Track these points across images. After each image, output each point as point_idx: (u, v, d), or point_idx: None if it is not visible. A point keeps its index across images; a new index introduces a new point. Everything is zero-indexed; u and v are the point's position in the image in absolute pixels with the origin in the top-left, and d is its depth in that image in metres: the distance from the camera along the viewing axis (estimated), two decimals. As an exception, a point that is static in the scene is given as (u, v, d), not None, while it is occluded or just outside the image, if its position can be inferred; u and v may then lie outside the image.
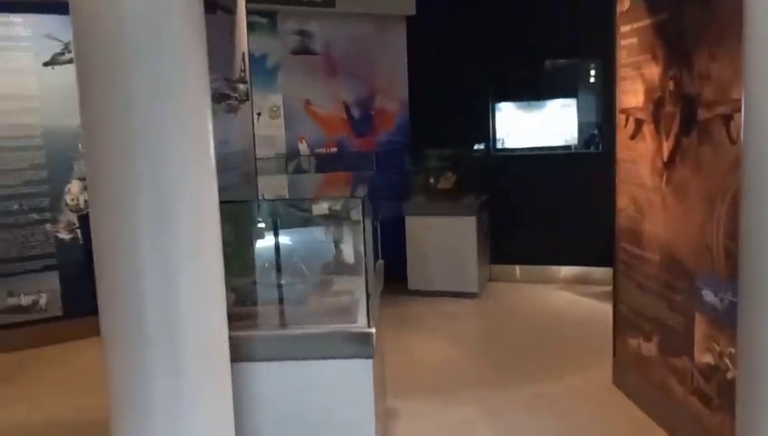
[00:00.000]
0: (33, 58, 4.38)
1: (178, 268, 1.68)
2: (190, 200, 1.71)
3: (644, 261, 3.24)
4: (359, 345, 2.28)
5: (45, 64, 4.38)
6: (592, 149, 5.71)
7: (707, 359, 2.66)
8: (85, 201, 4.43)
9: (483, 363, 4.06)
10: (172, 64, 1.65)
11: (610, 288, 3.71)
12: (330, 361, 2.28)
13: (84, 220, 4.49)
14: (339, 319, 2.40)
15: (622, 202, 3.48)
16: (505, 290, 5.66)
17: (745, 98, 1.64)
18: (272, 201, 2.87)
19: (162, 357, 1.65)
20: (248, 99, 3.26)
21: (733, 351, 2.44)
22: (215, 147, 1.85)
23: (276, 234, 2.79)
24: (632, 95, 3.30)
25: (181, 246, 1.68)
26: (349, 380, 2.28)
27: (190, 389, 1.69)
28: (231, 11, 3.04)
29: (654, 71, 3.08)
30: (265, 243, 2.81)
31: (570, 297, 5.40)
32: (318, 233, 3.19)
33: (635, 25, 3.24)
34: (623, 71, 3.38)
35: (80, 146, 4.42)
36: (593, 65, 5.72)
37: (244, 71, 3.21)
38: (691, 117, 2.76)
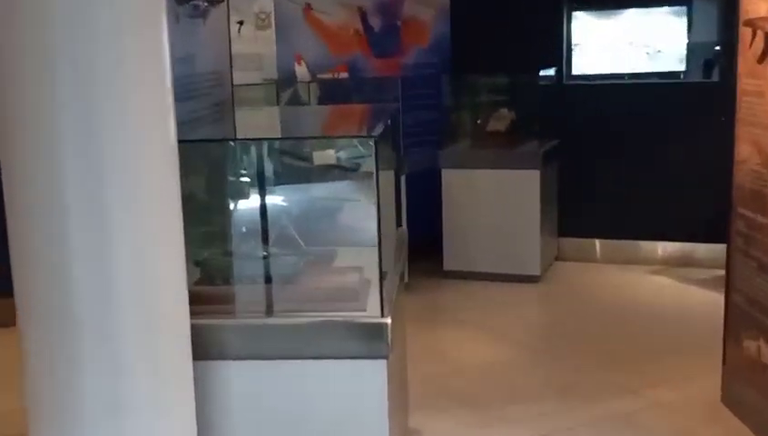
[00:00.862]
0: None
1: (116, 231, 1.69)
2: (133, 137, 1.71)
3: (770, 234, 3.20)
4: (369, 341, 2.29)
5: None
6: (706, 78, 5.60)
7: None
8: None
9: (542, 371, 4.07)
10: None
11: (721, 272, 3.67)
12: (330, 361, 2.29)
13: None
14: (342, 305, 2.40)
15: (742, 151, 3.42)
16: (577, 272, 5.65)
17: None
18: (255, 141, 2.85)
19: (94, 350, 1.67)
20: None
21: None
22: (173, 66, 1.84)
23: (260, 189, 2.80)
24: (762, 1, 3.22)
25: (119, 201, 1.69)
26: (355, 387, 2.30)
27: (133, 394, 1.70)
28: None
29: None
30: (244, 201, 2.82)
31: (667, 283, 5.38)
32: (317, 189, 3.20)
33: None
34: (751, -35, 3.29)
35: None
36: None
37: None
38: None
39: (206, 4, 3.02)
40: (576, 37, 5.79)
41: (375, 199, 2.36)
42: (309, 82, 5.40)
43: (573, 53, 5.81)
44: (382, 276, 2.39)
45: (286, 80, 5.39)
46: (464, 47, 5.88)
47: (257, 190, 2.80)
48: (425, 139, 5.72)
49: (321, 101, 5.39)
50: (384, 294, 2.36)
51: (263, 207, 2.79)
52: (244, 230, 2.83)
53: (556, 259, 5.86)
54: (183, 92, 2.66)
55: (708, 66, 5.65)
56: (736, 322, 3.51)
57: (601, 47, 5.79)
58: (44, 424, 1.71)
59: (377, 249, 2.37)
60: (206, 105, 3.07)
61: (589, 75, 5.82)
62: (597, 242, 5.90)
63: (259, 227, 2.78)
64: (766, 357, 3.25)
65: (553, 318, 5.02)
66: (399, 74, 5.63)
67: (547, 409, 3.60)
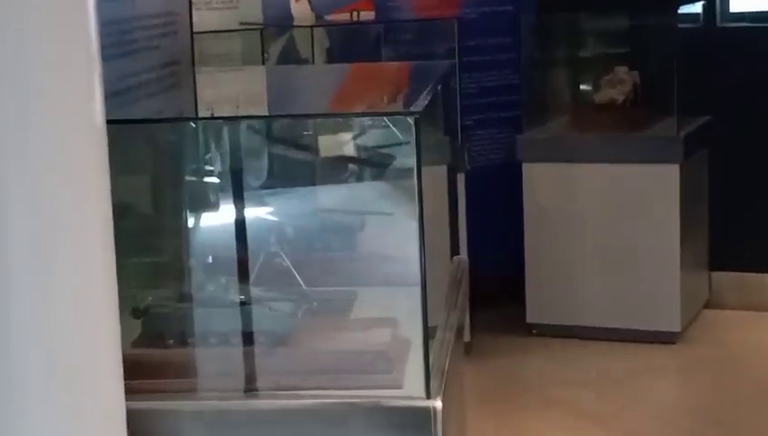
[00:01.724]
0: None
1: (6, 266, 1.71)
2: (27, 115, 1.73)
3: None
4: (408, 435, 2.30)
5: None
6: None
7: None
8: None
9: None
10: None
11: None
12: (346, 467, 2.33)
13: None
14: (366, 379, 2.43)
15: None
16: (739, 327, 5.65)
17: None
18: (229, 122, 2.87)
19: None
20: None
21: None
22: (98, 3, 1.85)
23: (236, 196, 2.82)
24: None
25: (13, 216, 1.71)
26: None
27: None
28: None
29: None
30: (211, 215, 2.87)
31: None
32: (324, 195, 3.21)
33: None
34: None
35: None
36: None
37: None
38: None
39: None
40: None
41: (416, 211, 2.36)
42: (312, 26, 5.44)
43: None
44: (428, 333, 2.39)
45: (277, 25, 5.42)
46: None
47: (230, 197, 2.82)
48: (496, 116, 5.75)
49: (331, 57, 5.41)
50: (432, 362, 2.36)
51: (241, 224, 2.80)
52: (210, 260, 2.85)
53: (706, 306, 5.86)
54: (117, 45, 2.69)
55: None
56: None
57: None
58: None
59: (419, 290, 2.37)
60: (152, 65, 3.10)
61: (759, 14, 5.78)
62: (772, 279, 5.86)
63: (233, 255, 2.79)
64: None
65: (700, 402, 4.97)
66: (456, 15, 5.65)
67: None
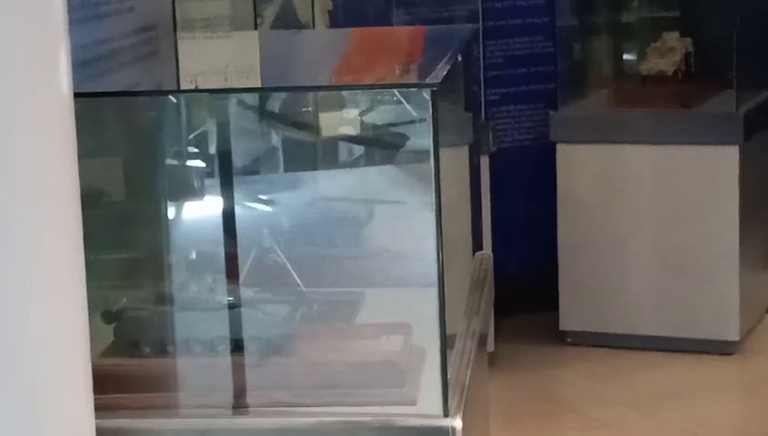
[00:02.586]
0: None
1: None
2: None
3: None
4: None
5: None
6: None
7: None
8: None
9: None
10: None
11: None
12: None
13: None
14: (375, 393, 2.44)
15: None
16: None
17: None
18: (215, 95, 2.87)
19: None
20: None
21: None
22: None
23: (223, 182, 2.83)
24: None
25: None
26: None
27: None
28: None
29: None
30: (194, 203, 2.89)
31: None
32: (326, 181, 3.22)
33: None
34: None
35: None
36: None
37: None
38: None
39: None
40: None
41: (433, 199, 2.37)
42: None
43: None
44: (446, 342, 2.40)
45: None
46: None
47: (218, 184, 2.83)
48: (526, 90, 5.74)
49: (335, 21, 5.42)
50: (450, 375, 2.37)
51: (230, 215, 2.81)
52: (194, 256, 2.86)
53: (773, 313, 5.85)
54: (84, 6, 2.69)
55: None
56: None
57: None
58: None
59: (436, 292, 2.38)
60: (126, 30, 3.11)
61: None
62: None
63: (221, 251, 2.80)
64: None
65: (763, 423, 4.98)
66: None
67: None
